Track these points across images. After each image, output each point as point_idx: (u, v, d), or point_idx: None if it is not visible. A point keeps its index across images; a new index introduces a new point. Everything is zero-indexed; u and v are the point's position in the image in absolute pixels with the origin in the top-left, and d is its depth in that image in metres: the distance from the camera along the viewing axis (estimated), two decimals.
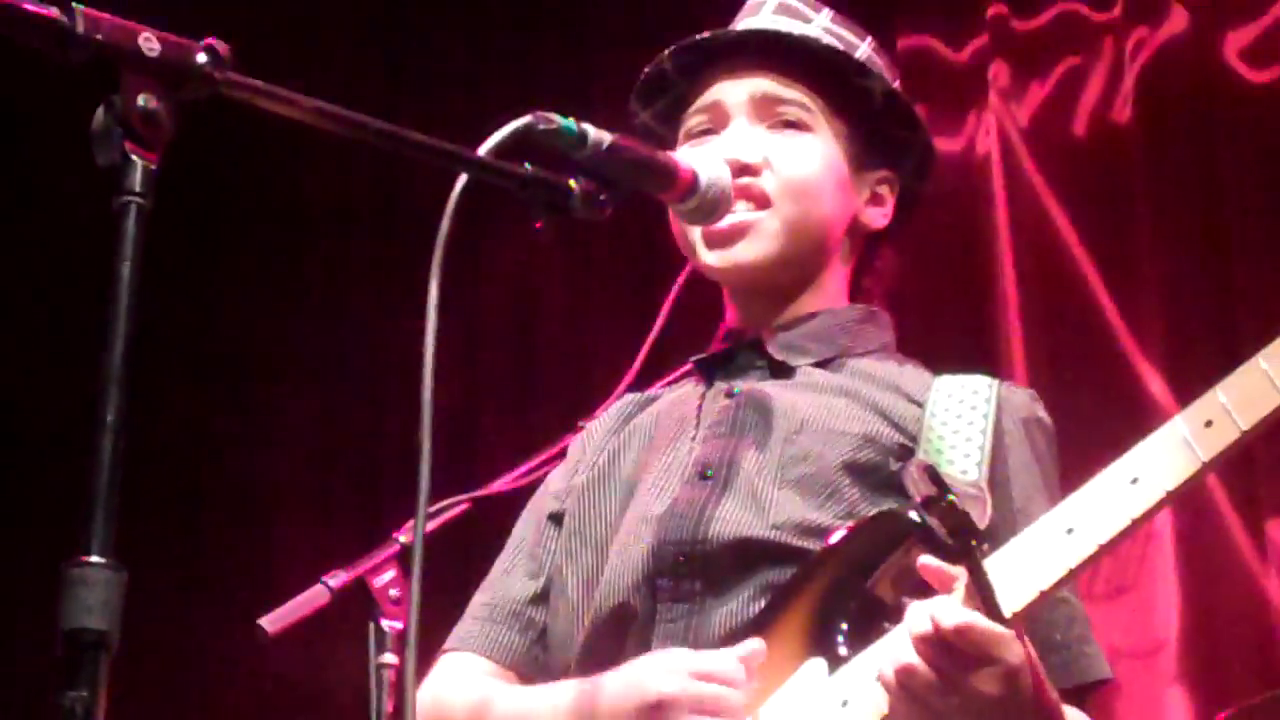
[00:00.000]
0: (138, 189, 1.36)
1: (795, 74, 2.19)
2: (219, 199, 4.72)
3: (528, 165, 1.73)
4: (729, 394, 2.13)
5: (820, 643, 1.84)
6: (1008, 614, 1.68)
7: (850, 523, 1.92)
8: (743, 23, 2.26)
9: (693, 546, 1.97)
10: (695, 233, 2.15)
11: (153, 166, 1.37)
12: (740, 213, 2.10)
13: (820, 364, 2.15)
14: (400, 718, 1.62)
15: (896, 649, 1.70)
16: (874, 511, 1.93)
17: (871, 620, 1.82)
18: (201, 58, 1.43)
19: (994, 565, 1.70)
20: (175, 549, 4.42)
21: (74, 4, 1.38)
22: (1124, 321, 3.79)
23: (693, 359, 2.23)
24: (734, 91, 2.19)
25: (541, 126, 1.74)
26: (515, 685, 2.06)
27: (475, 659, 2.12)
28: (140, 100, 1.37)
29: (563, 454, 2.23)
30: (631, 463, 2.13)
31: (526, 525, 2.21)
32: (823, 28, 2.23)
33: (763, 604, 1.91)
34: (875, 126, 2.23)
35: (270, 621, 1.80)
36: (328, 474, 4.59)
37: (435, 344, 1.56)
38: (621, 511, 2.07)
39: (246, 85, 1.48)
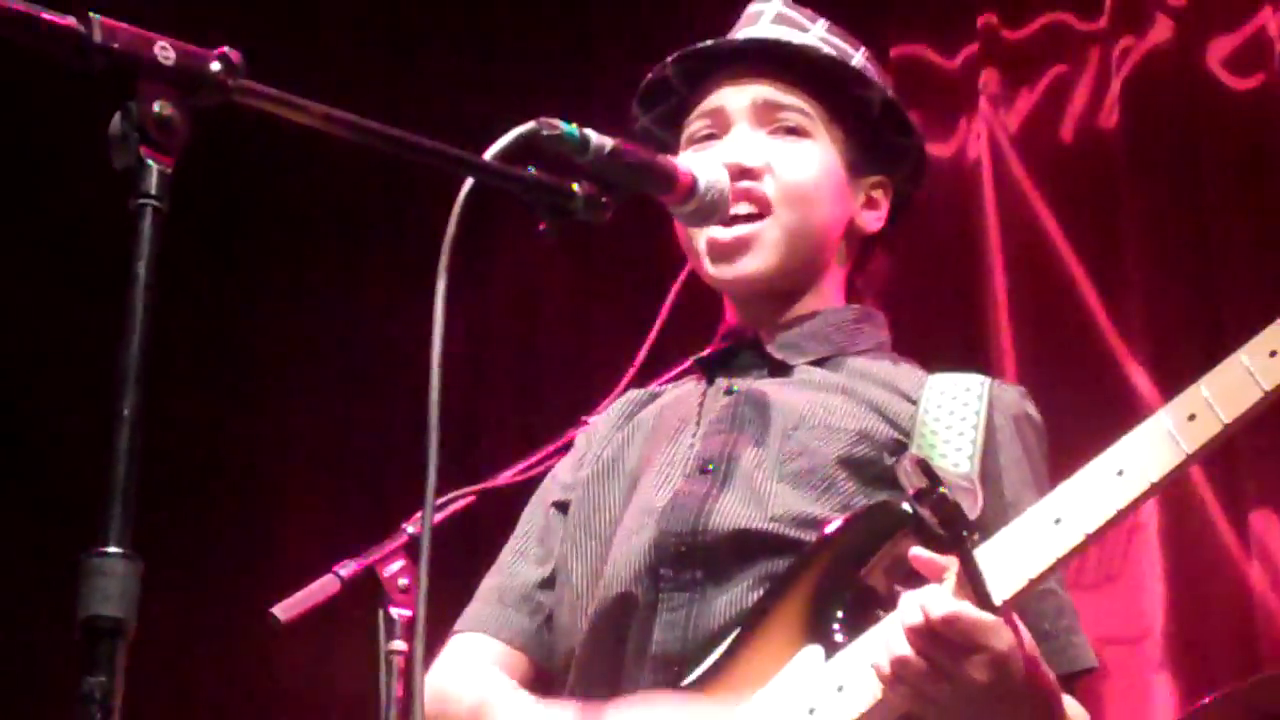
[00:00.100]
0: (153, 192, 1.36)
1: (796, 82, 2.19)
2: (232, 202, 4.72)
3: (531, 169, 1.74)
4: (729, 391, 2.13)
5: (817, 630, 1.84)
6: (998, 602, 1.68)
7: (845, 514, 1.92)
8: (742, 32, 2.27)
9: (694, 537, 1.97)
10: (700, 243, 2.16)
11: (168, 170, 1.38)
12: (740, 223, 2.11)
13: (818, 362, 2.15)
14: (409, 702, 1.62)
15: (890, 639, 1.71)
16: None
17: (866, 608, 1.82)
18: (215, 65, 1.43)
19: (984, 554, 1.70)
20: (190, 540, 4.41)
21: (91, 14, 1.38)
22: (1110, 320, 3.79)
23: (694, 358, 2.23)
24: (736, 98, 2.20)
25: (545, 132, 1.75)
26: (515, 693, 2.06)
27: (485, 639, 2.12)
28: (156, 106, 1.38)
29: (565, 448, 2.24)
30: (635, 457, 2.14)
31: (535, 513, 2.22)
32: (819, 37, 2.23)
33: (761, 593, 1.92)
34: (872, 133, 2.23)
35: (283, 610, 1.80)
36: (338, 467, 4.60)
37: (442, 341, 1.57)
38: (625, 504, 2.08)
39: (259, 92, 1.48)
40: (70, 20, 1.37)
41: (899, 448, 2.00)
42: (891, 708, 1.74)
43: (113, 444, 1.29)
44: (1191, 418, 1.69)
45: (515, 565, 2.18)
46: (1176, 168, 3.80)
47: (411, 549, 1.83)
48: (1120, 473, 1.70)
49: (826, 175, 2.19)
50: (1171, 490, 2.93)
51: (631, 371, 2.23)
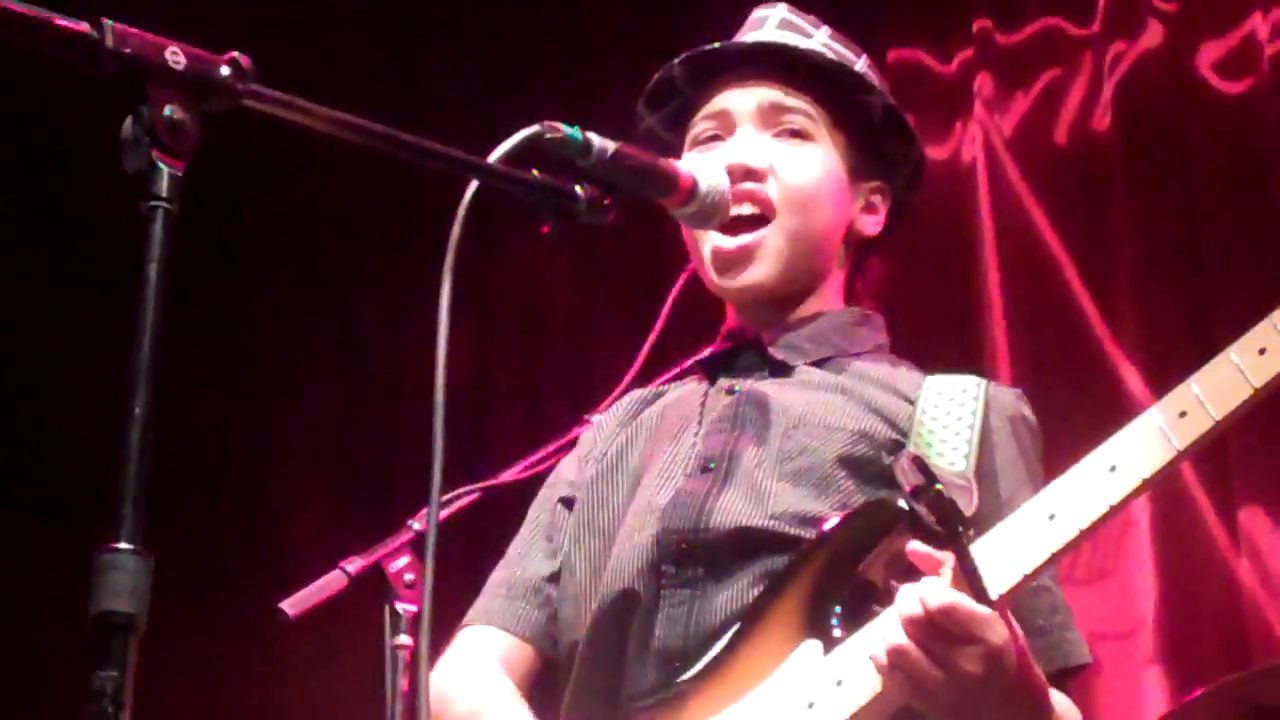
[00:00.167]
0: (164, 194, 1.36)
1: (800, 86, 2.19)
2: (239, 205, 4.72)
3: (535, 172, 1.74)
4: (730, 391, 2.13)
5: (815, 625, 1.84)
6: (993, 596, 1.68)
7: (844, 512, 1.92)
8: (748, 36, 2.27)
9: (695, 535, 1.97)
10: (705, 251, 2.16)
11: (179, 173, 1.38)
12: (743, 227, 2.11)
13: (817, 363, 2.15)
14: (415, 696, 1.62)
15: (888, 630, 1.70)
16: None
17: (864, 603, 1.82)
18: (225, 70, 1.43)
19: (980, 550, 1.70)
20: (200, 537, 4.42)
21: (104, 20, 1.38)
22: (1102, 319, 3.79)
23: (696, 358, 2.23)
24: (742, 100, 2.19)
25: (548, 135, 1.74)
26: (510, 704, 2.05)
27: (493, 632, 2.12)
28: (167, 110, 1.38)
29: (569, 446, 2.24)
30: (638, 455, 2.13)
31: (541, 509, 2.22)
32: (823, 43, 2.23)
33: (761, 589, 1.92)
34: (873, 139, 2.23)
35: (291, 605, 1.80)
36: (345, 465, 4.60)
37: (448, 341, 1.56)
38: (628, 501, 2.08)
39: (267, 96, 1.48)
40: (83, 26, 1.37)
41: (897, 447, 1.99)
42: (890, 701, 1.74)
43: (124, 442, 1.29)
44: (1183, 415, 1.68)
45: (523, 559, 2.18)
46: (1168, 170, 3.80)
47: (417, 545, 1.83)
48: (1113, 469, 1.70)
49: (828, 179, 2.18)
50: (1162, 488, 2.93)
51: (634, 371, 2.23)
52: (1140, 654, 3.52)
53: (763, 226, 2.13)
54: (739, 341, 2.20)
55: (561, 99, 4.22)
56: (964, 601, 1.66)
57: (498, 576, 2.19)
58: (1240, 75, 3.79)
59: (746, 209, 2.12)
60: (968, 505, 1.80)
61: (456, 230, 1.61)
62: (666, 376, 2.28)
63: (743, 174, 2.11)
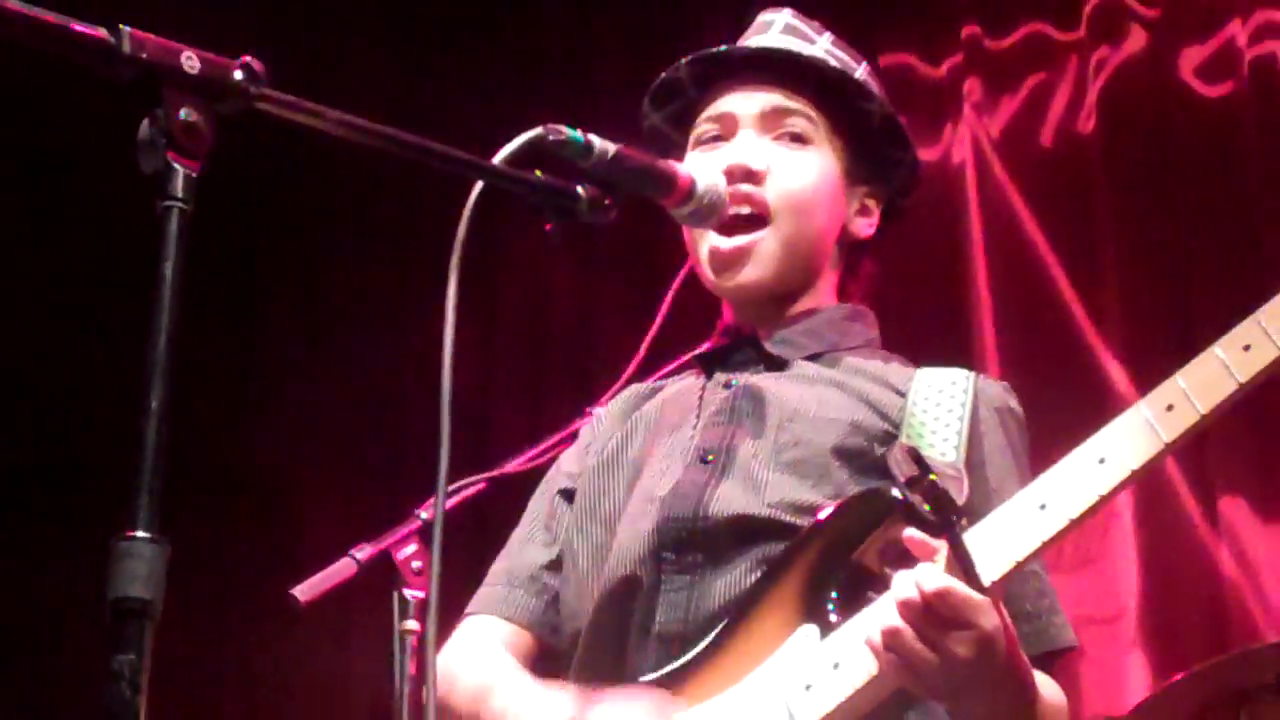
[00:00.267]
0: (180, 195, 1.36)
1: (802, 91, 2.19)
2: (251, 205, 4.72)
3: (538, 173, 1.73)
4: (727, 385, 2.13)
5: (812, 610, 1.84)
6: (986, 583, 1.67)
7: (839, 500, 1.92)
8: (753, 40, 2.26)
9: (694, 523, 1.97)
10: (703, 252, 2.16)
11: (194, 174, 1.37)
12: (740, 228, 2.10)
13: (812, 358, 2.15)
14: (422, 680, 1.61)
15: (883, 615, 1.70)
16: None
17: (859, 589, 1.81)
18: (238, 74, 1.43)
19: (972, 538, 1.69)
20: (214, 526, 4.42)
21: (120, 25, 1.38)
22: (1088, 316, 3.79)
23: (694, 353, 2.23)
24: (745, 103, 2.19)
25: (551, 137, 1.74)
26: (516, 674, 2.05)
27: (494, 621, 2.12)
28: (182, 113, 1.38)
29: (571, 438, 2.24)
30: (638, 448, 2.13)
31: (541, 500, 2.22)
32: (825, 50, 2.23)
33: (759, 575, 1.91)
34: (870, 144, 2.23)
35: (302, 591, 1.80)
36: (355, 457, 4.60)
37: (454, 337, 1.56)
38: (629, 492, 2.08)
39: (279, 99, 1.48)
40: (101, 31, 1.36)
41: (889, 438, 1.99)
42: (885, 684, 1.74)
43: (141, 436, 1.29)
44: (1169, 408, 1.68)
45: (523, 549, 2.18)
46: (1150, 171, 3.80)
47: (424, 533, 1.83)
48: (1102, 461, 1.69)
49: (825, 182, 2.18)
50: (1145, 479, 2.92)
51: (633, 366, 2.23)
52: (1124, 638, 3.52)
53: (759, 228, 2.13)
54: (735, 337, 2.20)
55: (564, 102, 4.22)
56: (958, 586, 1.66)
57: (498, 566, 2.19)
58: (1220, 79, 3.79)
59: (744, 210, 2.12)
60: (958, 494, 1.80)
61: (462, 229, 1.61)
62: (665, 371, 2.28)
63: (741, 175, 2.10)
